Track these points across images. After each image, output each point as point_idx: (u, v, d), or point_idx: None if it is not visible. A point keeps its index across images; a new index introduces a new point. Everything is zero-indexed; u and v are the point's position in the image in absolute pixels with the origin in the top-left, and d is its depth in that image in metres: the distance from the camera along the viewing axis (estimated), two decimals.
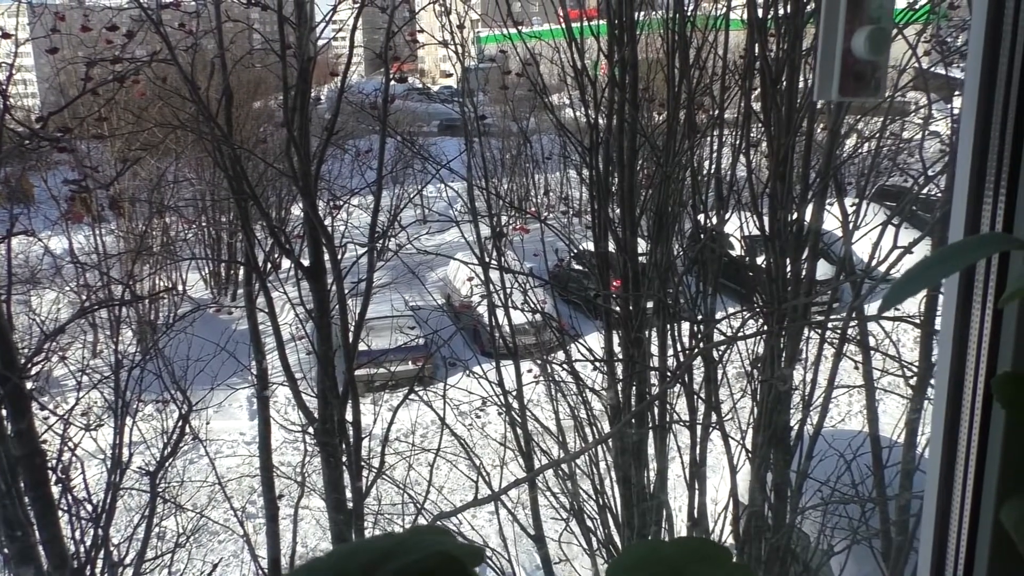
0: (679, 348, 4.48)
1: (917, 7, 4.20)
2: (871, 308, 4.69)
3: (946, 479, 0.85)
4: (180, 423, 5.45)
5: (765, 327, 4.10)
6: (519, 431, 4.87)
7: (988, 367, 0.78)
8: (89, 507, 5.05)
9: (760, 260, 4.26)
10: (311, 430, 4.79)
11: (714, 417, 4.23)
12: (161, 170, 11.90)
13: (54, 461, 5.05)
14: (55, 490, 4.76)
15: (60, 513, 4.86)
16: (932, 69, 4.89)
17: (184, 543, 6.11)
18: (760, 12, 3.98)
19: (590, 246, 4.71)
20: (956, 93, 4.91)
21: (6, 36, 5.70)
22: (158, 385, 5.67)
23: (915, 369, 4.07)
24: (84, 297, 8.55)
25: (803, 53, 4.08)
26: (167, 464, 5.51)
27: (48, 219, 11.47)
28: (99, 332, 11.31)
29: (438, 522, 4.09)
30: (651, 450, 4.56)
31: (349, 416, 4.73)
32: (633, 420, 4.40)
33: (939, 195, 4.42)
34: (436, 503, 5.37)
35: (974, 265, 0.77)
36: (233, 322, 10.68)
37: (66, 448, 5.25)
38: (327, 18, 4.69)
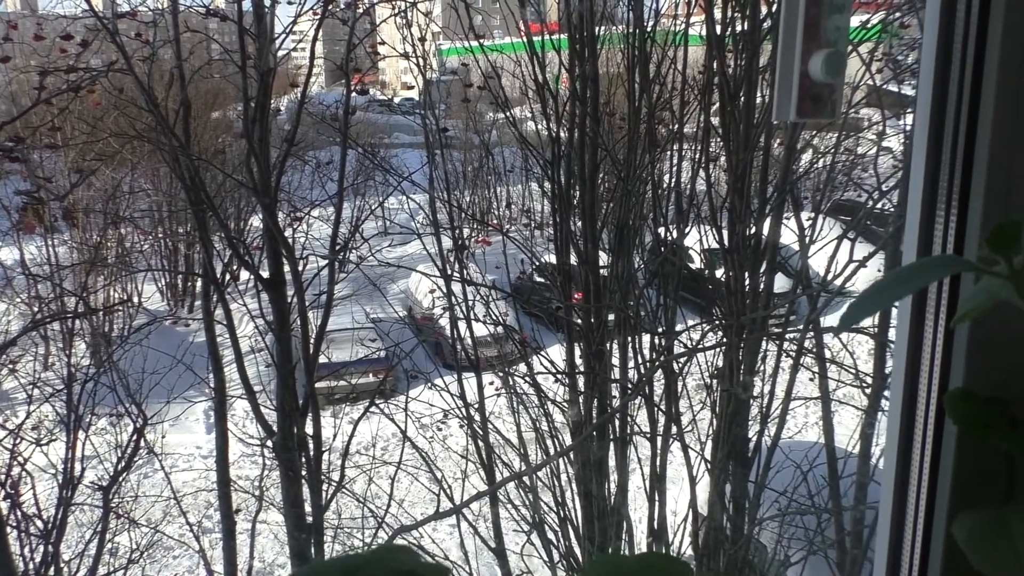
0: (640, 360, 4.51)
1: (869, 26, 4.30)
2: (827, 321, 4.77)
3: (900, 492, 0.87)
4: (135, 437, 5.36)
5: (724, 339, 4.15)
6: (481, 444, 4.86)
7: (940, 383, 0.80)
8: (39, 523, 4.93)
9: (719, 273, 4.31)
10: (270, 443, 4.73)
11: (674, 429, 4.26)
12: (116, 180, 11.70)
13: (3, 476, 4.93)
14: (3, 506, 4.65)
15: (9, 529, 4.74)
16: (884, 86, 5.00)
17: (138, 559, 5.99)
18: (718, 29, 4.05)
19: (552, 259, 4.73)
20: (908, 110, 5.03)
21: None
22: (112, 398, 5.57)
23: (869, 380, 4.14)
24: (36, 309, 8.36)
25: (760, 69, 4.15)
26: (121, 479, 5.41)
27: None
28: (51, 344, 11.07)
29: (399, 536, 4.06)
30: (612, 462, 4.58)
31: (309, 429, 4.68)
32: (594, 433, 4.42)
33: (892, 210, 4.52)
34: (397, 517, 5.33)
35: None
36: (191, 334, 10.51)
37: (15, 463, 5.13)
38: (287, 29, 4.67)
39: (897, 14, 4.77)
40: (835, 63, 0.74)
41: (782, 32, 0.76)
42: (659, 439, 4.38)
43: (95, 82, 5.00)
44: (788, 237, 4.48)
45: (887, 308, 4.42)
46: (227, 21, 4.79)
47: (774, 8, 4.17)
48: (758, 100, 4.20)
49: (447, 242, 5.05)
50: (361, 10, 5.30)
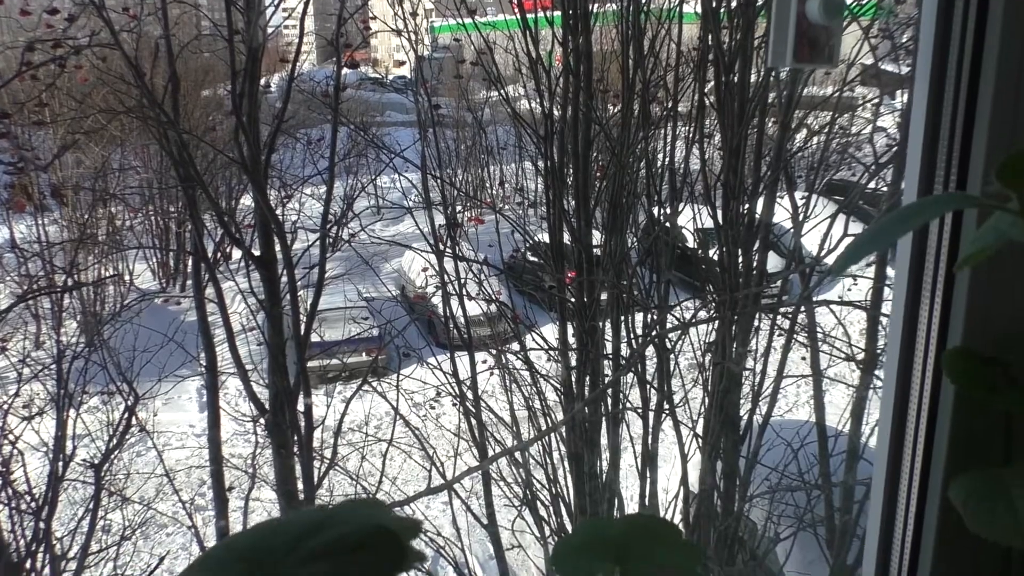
0: (633, 336, 4.50)
1: (864, 2, 4.27)
2: (819, 299, 4.77)
3: (895, 455, 0.86)
4: (126, 415, 5.34)
5: (717, 315, 4.14)
6: (473, 421, 4.86)
7: (938, 342, 0.79)
8: (30, 499, 4.93)
9: (712, 252, 4.30)
10: (262, 421, 4.72)
11: (666, 406, 4.26)
12: (105, 158, 11.60)
13: None
14: None
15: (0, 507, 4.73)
16: (880, 64, 4.97)
17: (130, 536, 5.99)
18: (713, 3, 4.01)
19: (545, 237, 4.71)
20: (902, 88, 5.01)
21: None
22: (103, 376, 5.55)
23: (863, 351, 4.15)
24: (26, 287, 8.31)
25: (755, 46, 4.12)
26: (113, 456, 5.40)
27: None
28: (42, 323, 11.01)
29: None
30: (604, 439, 4.58)
31: (301, 407, 4.67)
32: (586, 408, 4.42)
33: (886, 188, 4.51)
34: (389, 494, 5.33)
35: (926, 238, 0.78)
36: (182, 313, 10.48)
37: (6, 441, 5.11)
38: (276, 2, 4.61)
39: None
40: (833, 4, 0.71)
41: None
42: (651, 416, 4.39)
43: (79, 54, 4.94)
44: (781, 215, 4.47)
45: (884, 249, 4.41)
46: None
47: None
48: (752, 77, 4.17)
49: (440, 220, 5.03)
50: None
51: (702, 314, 4.45)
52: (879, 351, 4.05)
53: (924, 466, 0.83)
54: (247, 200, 10.92)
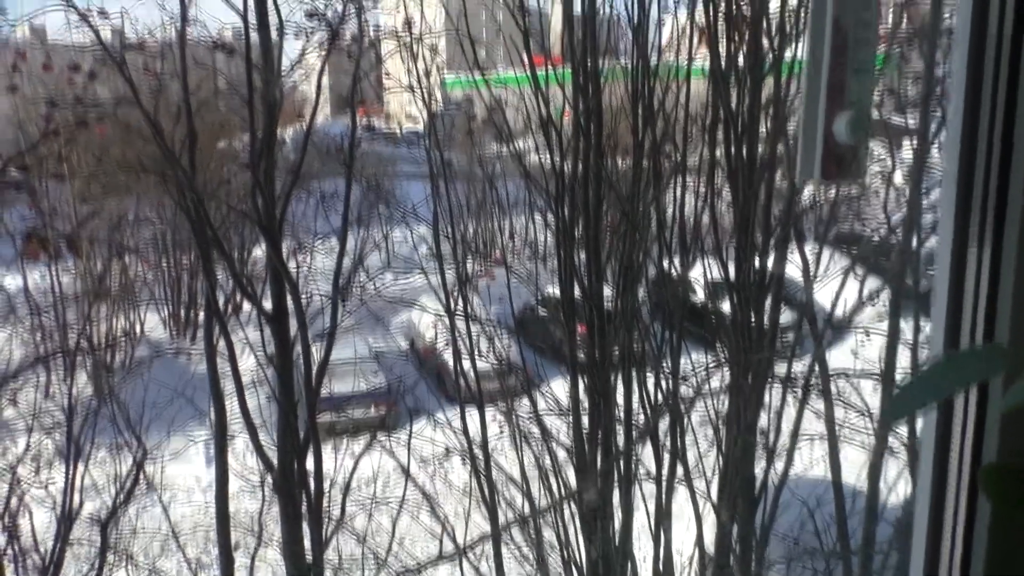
0: (645, 398, 4.45)
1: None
2: (832, 355, 4.73)
3: (931, 565, 0.83)
4: (134, 469, 5.31)
5: (730, 382, 4.11)
6: (483, 480, 4.79)
7: (973, 456, 0.77)
8: (37, 557, 4.89)
9: (723, 305, 4.29)
10: (270, 479, 4.68)
11: (680, 469, 4.20)
12: (121, 210, 11.72)
13: (1, 509, 4.89)
14: (1, 539, 4.60)
15: (6, 563, 4.69)
16: (888, 119, 5.01)
17: None
18: (721, 63, 4.06)
19: (555, 291, 4.69)
20: (905, 140, 5.03)
21: None
22: (112, 429, 5.53)
23: (875, 415, 4.10)
24: (39, 338, 8.35)
25: (763, 104, 4.15)
26: (119, 512, 5.36)
27: (2, 256, 11.23)
28: (52, 374, 11.01)
29: None
30: (616, 500, 4.51)
31: (310, 464, 4.63)
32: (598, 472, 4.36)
33: (897, 242, 4.50)
34: (397, 556, 5.25)
35: (959, 339, 0.76)
36: (193, 364, 10.47)
37: (14, 495, 5.09)
38: (295, 64, 4.69)
39: (898, 48, 4.79)
40: (859, 124, 0.72)
41: (805, 93, 0.75)
42: (664, 478, 4.33)
43: (102, 120, 5.03)
44: (792, 269, 4.46)
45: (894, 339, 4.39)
46: (235, 55, 4.82)
47: (775, 44, 4.19)
48: (761, 131, 4.20)
49: (450, 274, 5.03)
50: (367, 43, 5.33)
51: (715, 379, 4.41)
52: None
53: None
54: (260, 250, 10.99)
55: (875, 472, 4.17)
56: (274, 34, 4.49)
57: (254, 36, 4.54)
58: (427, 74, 5.24)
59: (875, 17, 0.73)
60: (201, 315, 7.87)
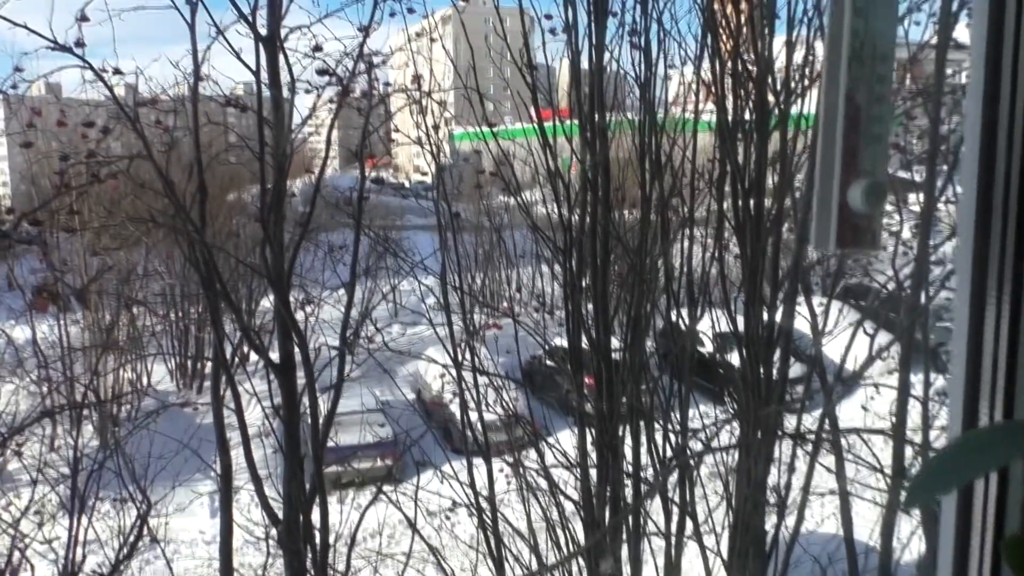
0: (654, 451, 4.42)
1: None
2: (843, 409, 4.69)
3: None
4: (138, 522, 5.26)
5: (739, 430, 4.08)
6: (490, 535, 4.74)
7: (996, 526, 0.75)
8: None
9: (732, 358, 4.27)
10: (274, 532, 4.62)
11: (689, 523, 4.15)
12: (131, 262, 11.81)
13: (3, 563, 4.84)
14: None
15: None
16: (895, 174, 5.04)
17: None
18: (728, 117, 4.11)
19: (563, 342, 4.69)
20: (916, 194, 5.05)
21: None
22: (117, 482, 5.49)
23: (888, 473, 4.05)
24: (46, 390, 8.33)
25: (770, 159, 4.20)
26: (122, 566, 5.29)
27: (12, 308, 11.29)
28: (59, 426, 10.99)
29: None
30: (624, 555, 4.45)
31: (315, 518, 4.58)
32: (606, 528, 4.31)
33: (906, 295, 4.50)
34: None
35: (977, 415, 0.76)
36: (199, 416, 10.44)
37: (16, 549, 5.04)
38: (305, 120, 4.76)
39: (902, 104, 4.84)
40: (875, 193, 0.72)
41: (820, 161, 0.74)
42: (673, 533, 4.27)
43: (115, 176, 5.09)
44: (801, 323, 4.45)
45: (905, 394, 4.36)
46: (247, 111, 4.89)
47: (781, 99, 4.24)
48: (768, 184, 4.23)
49: (458, 326, 5.03)
50: (376, 99, 5.40)
51: (725, 425, 4.38)
52: (907, 467, 3.96)
53: None
54: (267, 302, 11.03)
55: (888, 529, 4.12)
56: (285, 91, 4.57)
57: (266, 92, 4.62)
58: (435, 128, 5.31)
59: (889, 91, 0.74)
60: (208, 366, 7.86)
